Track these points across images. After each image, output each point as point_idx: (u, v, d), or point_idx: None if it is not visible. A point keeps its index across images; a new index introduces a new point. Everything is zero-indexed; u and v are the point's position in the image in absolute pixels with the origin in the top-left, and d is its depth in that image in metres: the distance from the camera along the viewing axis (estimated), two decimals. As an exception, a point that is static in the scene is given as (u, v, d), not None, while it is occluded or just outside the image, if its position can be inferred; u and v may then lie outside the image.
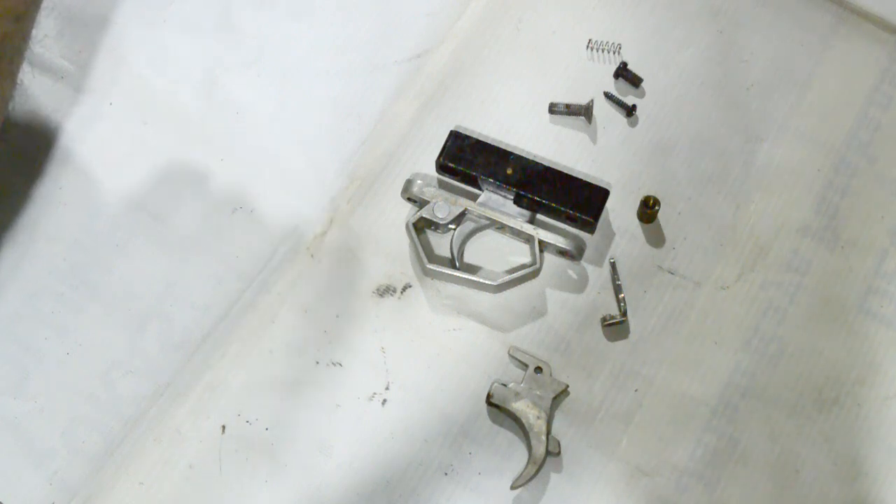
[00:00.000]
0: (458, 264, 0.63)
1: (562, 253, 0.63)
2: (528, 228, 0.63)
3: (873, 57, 0.68)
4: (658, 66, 0.68)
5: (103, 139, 0.67)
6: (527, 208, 0.63)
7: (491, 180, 0.63)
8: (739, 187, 0.65)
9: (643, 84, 0.67)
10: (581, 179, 0.63)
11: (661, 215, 0.64)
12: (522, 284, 0.63)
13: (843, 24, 0.68)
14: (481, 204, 0.63)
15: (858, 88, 0.67)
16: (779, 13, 0.69)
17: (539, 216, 0.64)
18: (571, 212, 0.62)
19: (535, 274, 0.63)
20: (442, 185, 0.65)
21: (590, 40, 0.68)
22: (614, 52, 0.68)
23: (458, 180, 0.65)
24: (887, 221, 0.64)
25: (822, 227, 0.64)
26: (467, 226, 0.64)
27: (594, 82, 0.68)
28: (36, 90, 0.67)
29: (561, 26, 0.69)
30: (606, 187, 0.63)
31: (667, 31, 0.69)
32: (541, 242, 0.63)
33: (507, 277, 0.62)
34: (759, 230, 0.64)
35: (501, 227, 0.64)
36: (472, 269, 0.64)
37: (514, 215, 0.63)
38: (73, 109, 0.67)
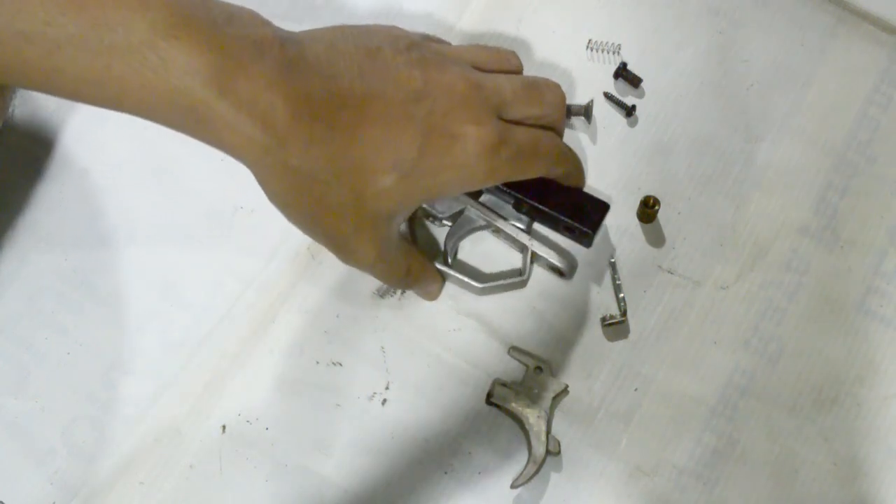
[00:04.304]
0: (449, 260, 0.63)
1: (552, 269, 0.63)
2: (523, 238, 0.62)
3: (873, 57, 0.68)
4: (658, 66, 0.68)
5: (104, 139, 0.67)
6: (525, 214, 0.63)
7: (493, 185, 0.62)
8: (739, 187, 0.65)
9: (643, 84, 0.67)
10: (583, 191, 0.63)
11: (661, 215, 0.64)
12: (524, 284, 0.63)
13: (843, 24, 0.69)
14: (481, 204, 0.63)
15: (858, 88, 0.67)
16: (779, 13, 0.69)
17: (537, 226, 0.63)
18: (570, 222, 0.61)
19: (521, 284, 0.63)
20: None
21: (590, 40, 0.68)
22: (614, 52, 0.68)
23: None
24: (887, 221, 0.64)
25: (821, 227, 0.64)
26: (464, 224, 0.63)
27: (594, 82, 0.68)
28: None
29: (561, 26, 0.69)
30: (608, 201, 0.62)
31: (667, 31, 0.69)
32: (533, 254, 0.62)
33: (493, 283, 0.62)
34: (759, 230, 0.64)
35: (497, 231, 0.63)
36: (462, 267, 0.63)
37: (513, 220, 0.63)
38: (74, 110, 0.67)
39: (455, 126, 0.53)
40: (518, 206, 0.63)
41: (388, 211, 0.53)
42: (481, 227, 0.64)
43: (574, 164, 0.61)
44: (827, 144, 0.66)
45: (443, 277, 0.63)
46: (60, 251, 0.64)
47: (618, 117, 0.67)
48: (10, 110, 0.66)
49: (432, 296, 0.63)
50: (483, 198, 0.64)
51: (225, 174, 0.66)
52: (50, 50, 0.45)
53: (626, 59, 0.67)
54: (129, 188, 0.66)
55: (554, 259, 0.62)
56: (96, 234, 0.65)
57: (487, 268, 0.64)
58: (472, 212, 0.63)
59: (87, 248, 0.65)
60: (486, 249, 0.64)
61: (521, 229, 0.63)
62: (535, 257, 0.63)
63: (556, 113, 0.59)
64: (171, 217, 0.65)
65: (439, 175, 0.53)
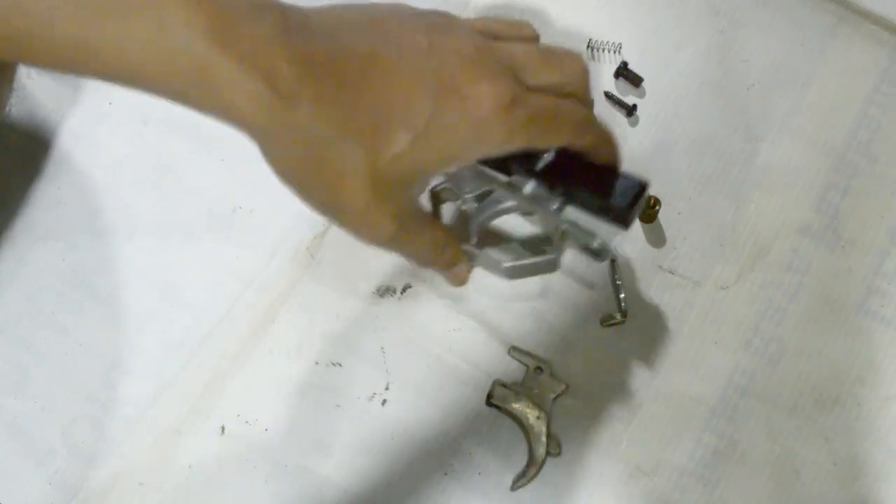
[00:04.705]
0: (474, 240, 0.61)
1: (585, 250, 0.60)
2: (555, 219, 0.59)
3: (874, 57, 0.68)
4: (658, 65, 0.68)
5: (103, 139, 0.67)
6: (557, 195, 0.59)
7: (523, 164, 0.58)
8: (739, 187, 0.65)
9: (644, 84, 0.67)
10: (620, 171, 0.57)
11: (661, 215, 0.64)
12: (523, 283, 0.62)
13: (843, 24, 0.68)
14: (510, 184, 0.60)
15: (858, 88, 0.67)
16: (779, 13, 0.69)
17: (570, 208, 0.59)
18: (603, 200, 0.56)
19: (552, 267, 0.60)
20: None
21: (590, 40, 0.68)
22: (614, 52, 0.68)
23: (489, 166, 0.60)
24: (888, 221, 0.64)
25: (822, 227, 0.64)
26: (491, 204, 0.61)
27: (594, 82, 0.67)
28: (35, 90, 0.67)
29: (561, 26, 0.69)
30: (644, 180, 0.57)
31: (667, 31, 0.69)
32: (564, 234, 0.60)
33: (522, 262, 0.59)
34: (759, 230, 0.64)
35: (527, 213, 0.62)
36: (489, 248, 0.62)
37: (543, 201, 0.59)
38: (73, 109, 0.67)
39: (467, 85, 0.50)
40: (550, 188, 0.59)
41: (406, 175, 0.51)
42: (511, 209, 0.61)
43: (602, 135, 0.57)
44: (827, 144, 0.66)
45: (470, 260, 0.60)
46: (59, 251, 0.64)
47: (619, 117, 0.67)
48: (7, 109, 0.66)
49: (461, 278, 0.59)
50: (513, 178, 0.61)
51: (225, 173, 0.66)
52: (40, 13, 0.44)
53: (626, 59, 0.67)
54: (128, 187, 0.66)
55: (587, 239, 0.59)
56: (95, 234, 0.65)
57: (516, 250, 0.63)
58: (501, 192, 0.60)
59: (87, 247, 0.64)
60: (514, 232, 0.64)
61: (553, 210, 0.59)
62: (566, 239, 0.60)
63: (577, 81, 0.56)
64: (170, 216, 0.65)
65: (454, 134, 0.50)
